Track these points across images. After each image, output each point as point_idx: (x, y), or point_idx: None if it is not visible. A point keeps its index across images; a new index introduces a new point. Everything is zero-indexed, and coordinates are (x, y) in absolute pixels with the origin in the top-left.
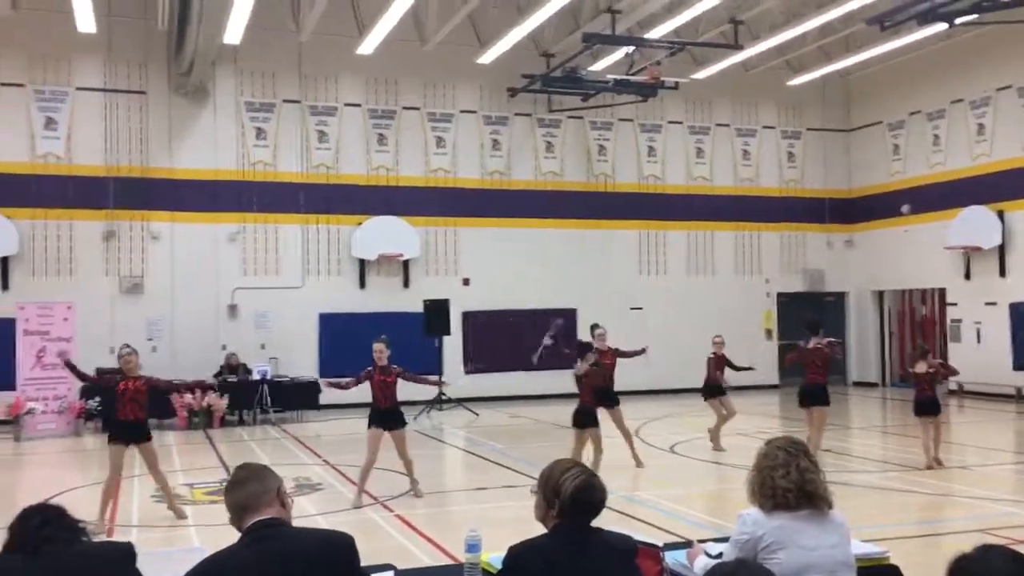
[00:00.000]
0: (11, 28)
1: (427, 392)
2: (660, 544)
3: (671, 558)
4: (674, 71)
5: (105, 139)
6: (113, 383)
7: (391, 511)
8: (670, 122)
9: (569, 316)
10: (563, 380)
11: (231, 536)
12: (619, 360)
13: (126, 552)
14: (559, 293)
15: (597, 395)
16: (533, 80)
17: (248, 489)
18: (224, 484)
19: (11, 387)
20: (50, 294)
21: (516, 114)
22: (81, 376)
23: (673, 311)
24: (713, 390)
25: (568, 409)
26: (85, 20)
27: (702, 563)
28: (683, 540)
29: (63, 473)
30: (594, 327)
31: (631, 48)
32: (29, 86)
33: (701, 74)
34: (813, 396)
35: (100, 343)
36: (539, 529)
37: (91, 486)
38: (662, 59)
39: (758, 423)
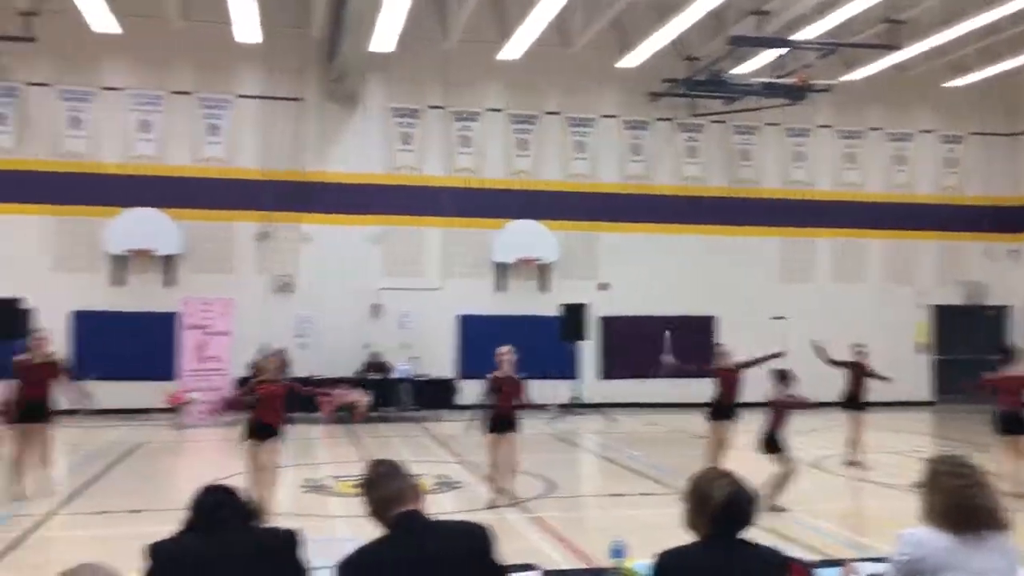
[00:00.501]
0: (180, 39)
1: (561, 395)
2: (813, 560)
3: None
4: (824, 73)
5: (262, 144)
6: (253, 389)
7: (529, 512)
8: (819, 126)
9: (707, 324)
10: (701, 389)
11: (375, 527)
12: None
13: (293, 538)
14: (698, 300)
15: (718, 408)
16: (676, 84)
17: (394, 483)
18: (363, 479)
19: (174, 377)
20: (210, 291)
21: (658, 119)
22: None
23: (818, 321)
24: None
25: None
26: (247, 30)
27: None
28: (833, 559)
29: (219, 460)
30: (716, 345)
31: (782, 50)
32: (195, 94)
33: (853, 76)
34: (1012, 423)
35: (253, 339)
36: (677, 537)
37: (244, 473)
38: (812, 61)
39: (913, 441)
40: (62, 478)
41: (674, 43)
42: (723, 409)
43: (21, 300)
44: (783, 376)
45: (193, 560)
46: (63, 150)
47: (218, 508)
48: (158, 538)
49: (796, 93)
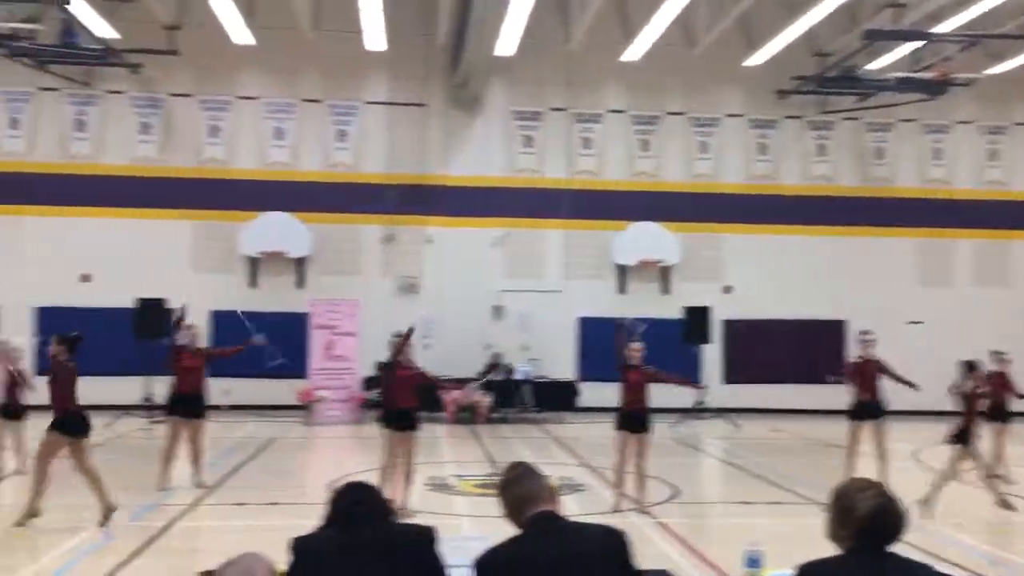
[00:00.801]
0: (311, 49)
1: (684, 400)
2: None
3: None
4: (966, 67)
5: (388, 149)
6: (387, 371)
7: (653, 517)
8: (959, 122)
9: (837, 328)
10: (828, 395)
11: (501, 525)
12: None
13: (430, 535)
14: (827, 304)
15: (858, 407)
16: (805, 81)
17: (529, 484)
18: (499, 479)
19: (304, 376)
20: (338, 292)
21: (785, 117)
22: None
23: (957, 326)
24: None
25: (834, 426)
26: (375, 39)
27: None
28: None
29: (348, 456)
30: (863, 333)
31: (920, 43)
32: (325, 102)
33: (997, 69)
34: None
35: (379, 340)
36: (809, 548)
37: (372, 471)
38: (952, 54)
39: None
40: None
41: (803, 38)
42: (864, 407)
43: (165, 300)
44: (972, 367)
45: (333, 554)
46: (203, 157)
47: (357, 504)
48: (295, 531)
49: (935, 88)
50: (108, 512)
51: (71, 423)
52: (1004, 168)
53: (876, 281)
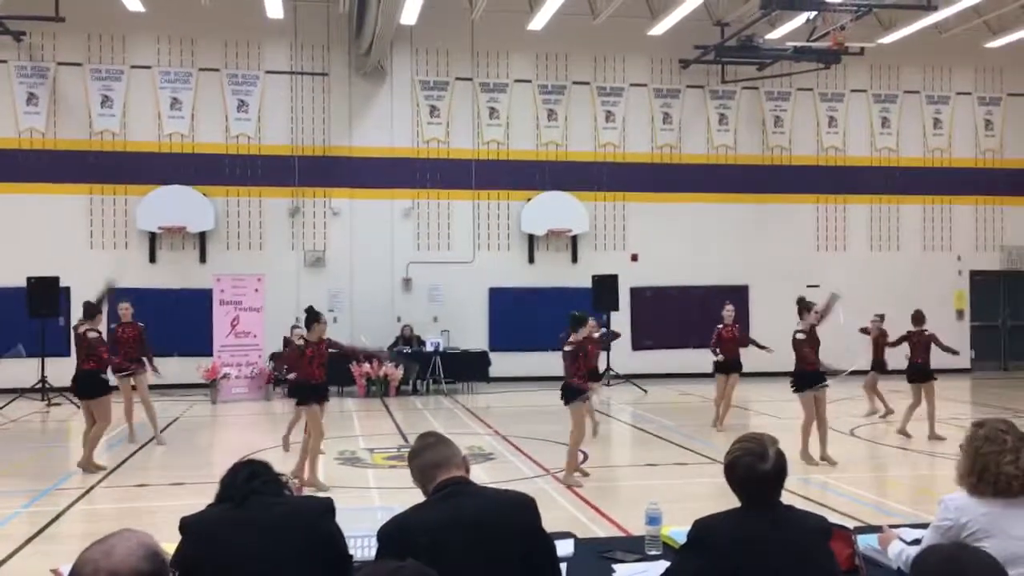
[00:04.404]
0: (207, 17)
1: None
2: (851, 527)
3: (862, 542)
4: (859, 36)
5: (291, 120)
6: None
7: (561, 482)
8: (853, 91)
9: (741, 293)
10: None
11: (411, 497)
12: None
13: (327, 506)
14: (730, 270)
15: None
16: (707, 51)
17: (438, 451)
18: (409, 450)
19: (208, 353)
20: (242, 267)
21: (688, 86)
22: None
23: (854, 289)
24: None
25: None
26: (273, 6)
27: (896, 549)
28: (871, 524)
29: (253, 434)
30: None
31: (812, 13)
32: (223, 71)
33: (889, 38)
34: None
35: (287, 314)
36: (713, 506)
37: (278, 448)
38: (847, 23)
39: (951, 409)
40: (101, 452)
41: (705, 7)
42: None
43: (57, 279)
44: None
45: (225, 531)
46: (95, 129)
47: (251, 479)
48: (196, 510)
49: (830, 56)
50: None
51: None
52: (894, 135)
53: (777, 247)
